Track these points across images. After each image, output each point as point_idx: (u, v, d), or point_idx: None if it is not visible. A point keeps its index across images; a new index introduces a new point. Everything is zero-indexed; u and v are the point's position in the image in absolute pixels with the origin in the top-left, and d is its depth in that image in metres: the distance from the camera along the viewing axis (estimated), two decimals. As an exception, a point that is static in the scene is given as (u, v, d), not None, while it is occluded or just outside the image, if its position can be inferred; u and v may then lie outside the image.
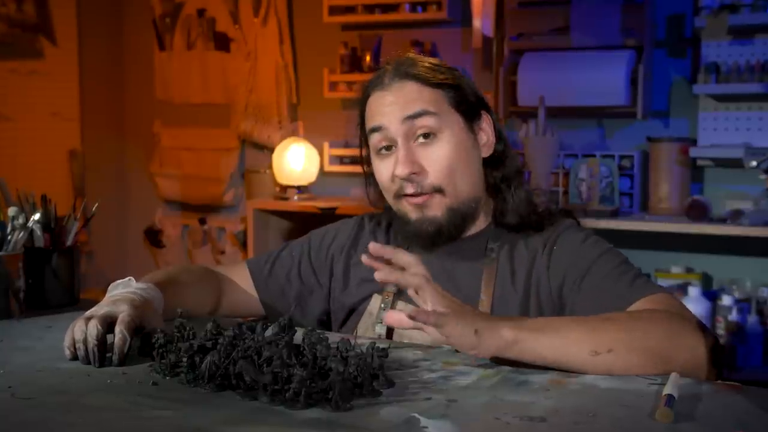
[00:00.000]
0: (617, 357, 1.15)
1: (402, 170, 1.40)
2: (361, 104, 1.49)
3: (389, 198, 1.48)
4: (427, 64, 1.45)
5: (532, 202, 1.48)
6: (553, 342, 1.16)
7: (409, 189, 1.42)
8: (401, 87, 1.43)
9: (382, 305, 1.49)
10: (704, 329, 1.21)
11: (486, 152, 1.48)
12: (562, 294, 1.39)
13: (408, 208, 1.44)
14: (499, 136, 1.49)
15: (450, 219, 1.43)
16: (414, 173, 1.40)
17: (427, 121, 1.40)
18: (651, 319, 1.21)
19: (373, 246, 1.18)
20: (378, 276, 1.16)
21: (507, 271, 1.44)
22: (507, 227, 1.47)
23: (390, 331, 1.48)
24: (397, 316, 1.19)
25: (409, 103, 1.41)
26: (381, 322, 1.48)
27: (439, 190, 1.42)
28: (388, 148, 1.43)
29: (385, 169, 1.44)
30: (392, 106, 1.42)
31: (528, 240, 1.46)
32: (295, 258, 1.62)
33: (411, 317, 1.12)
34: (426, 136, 1.41)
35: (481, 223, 1.50)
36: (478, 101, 1.48)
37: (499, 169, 1.49)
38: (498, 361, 1.20)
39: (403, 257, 1.17)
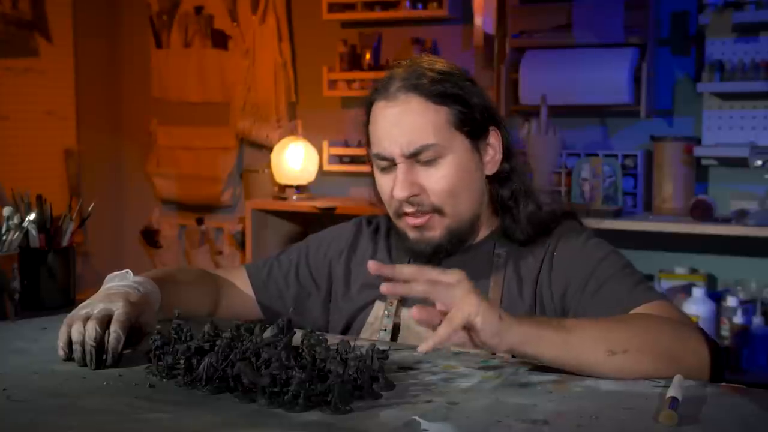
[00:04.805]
0: (631, 358, 1.15)
1: (400, 193, 1.38)
2: (366, 105, 1.45)
3: (389, 212, 1.46)
4: (436, 76, 1.39)
5: (540, 213, 1.46)
6: (571, 339, 1.15)
7: (408, 208, 1.40)
8: (406, 102, 1.38)
9: (386, 312, 1.48)
10: (706, 335, 1.25)
11: (490, 170, 1.45)
12: (566, 299, 1.38)
13: (407, 228, 1.43)
14: (508, 153, 1.46)
15: (448, 239, 1.42)
16: (413, 195, 1.39)
17: (429, 153, 1.38)
18: (660, 323, 1.23)
19: (372, 265, 1.13)
20: (384, 290, 1.12)
21: (514, 280, 1.43)
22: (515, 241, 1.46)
23: (394, 339, 1.46)
24: (427, 314, 1.11)
25: (411, 132, 1.37)
26: (385, 330, 1.47)
27: (439, 211, 1.40)
28: (389, 166, 1.41)
29: (385, 185, 1.42)
30: (395, 135, 1.38)
31: (532, 245, 1.45)
32: (293, 261, 1.61)
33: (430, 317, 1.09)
34: (427, 162, 1.39)
35: (484, 231, 1.48)
36: (486, 118, 1.43)
37: (507, 186, 1.46)
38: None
39: (404, 271, 1.12)
